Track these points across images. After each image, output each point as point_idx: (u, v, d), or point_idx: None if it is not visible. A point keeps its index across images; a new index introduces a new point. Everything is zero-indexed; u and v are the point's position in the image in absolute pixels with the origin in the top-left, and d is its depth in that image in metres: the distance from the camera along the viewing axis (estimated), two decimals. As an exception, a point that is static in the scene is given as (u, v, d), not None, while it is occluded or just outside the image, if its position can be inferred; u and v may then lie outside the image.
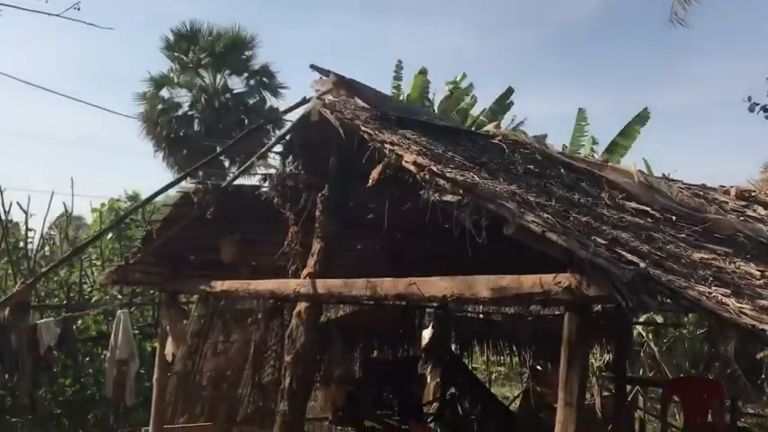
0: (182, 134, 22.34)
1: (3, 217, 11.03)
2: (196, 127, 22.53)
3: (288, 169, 5.72)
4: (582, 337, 3.35)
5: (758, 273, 4.38)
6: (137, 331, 10.38)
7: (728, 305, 3.23)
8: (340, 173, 5.34)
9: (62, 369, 10.43)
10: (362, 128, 4.64)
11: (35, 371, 8.83)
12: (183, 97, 22.75)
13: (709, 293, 3.37)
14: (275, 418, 5.88)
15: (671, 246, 4.33)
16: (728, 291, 3.56)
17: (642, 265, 3.18)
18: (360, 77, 5.51)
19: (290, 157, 5.74)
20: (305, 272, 5.26)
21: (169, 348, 6.80)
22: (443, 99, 16.43)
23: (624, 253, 3.28)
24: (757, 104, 7.56)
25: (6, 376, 8.50)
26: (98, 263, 12.69)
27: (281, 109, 6.26)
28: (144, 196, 15.51)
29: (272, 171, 5.83)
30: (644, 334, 12.17)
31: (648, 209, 5.19)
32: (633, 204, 5.21)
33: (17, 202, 11.68)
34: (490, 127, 4.91)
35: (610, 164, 6.50)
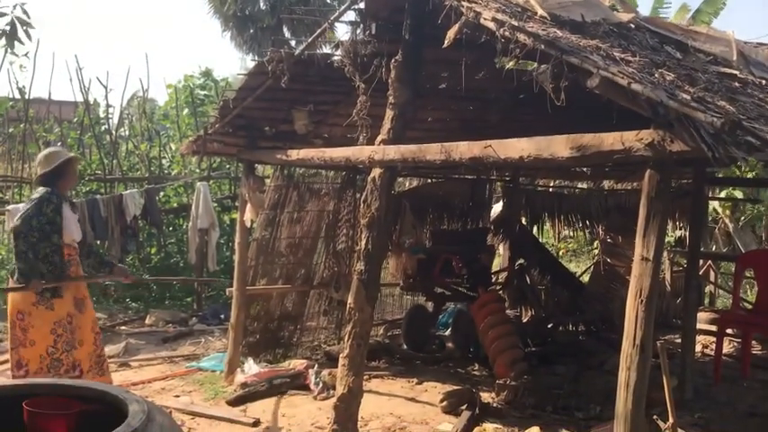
0: (247, 12, 22.20)
1: (84, 93, 11.37)
2: (261, 5, 22.35)
3: (360, 37, 5.64)
4: (662, 193, 3.30)
5: None
6: (215, 203, 10.79)
7: (819, 162, 3.13)
8: (413, 39, 5.24)
9: (147, 238, 11.06)
10: (437, -15, 4.50)
11: (123, 238, 9.40)
12: (248, -26, 22.40)
13: (799, 151, 3.25)
14: (349, 280, 6.15)
15: (760, 108, 4.16)
16: (819, 150, 3.43)
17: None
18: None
19: (362, 24, 5.64)
20: (378, 138, 5.30)
21: (248, 215, 7.06)
22: None
23: (711, 107, 3.17)
24: None
25: (98, 242, 9.06)
26: (175, 138, 13.13)
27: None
28: (216, 74, 15.78)
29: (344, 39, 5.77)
30: (719, 210, 11.92)
31: (737, 73, 4.96)
32: (721, 68, 4.98)
33: (96, 78, 12.05)
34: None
35: (704, 29, 6.13)
